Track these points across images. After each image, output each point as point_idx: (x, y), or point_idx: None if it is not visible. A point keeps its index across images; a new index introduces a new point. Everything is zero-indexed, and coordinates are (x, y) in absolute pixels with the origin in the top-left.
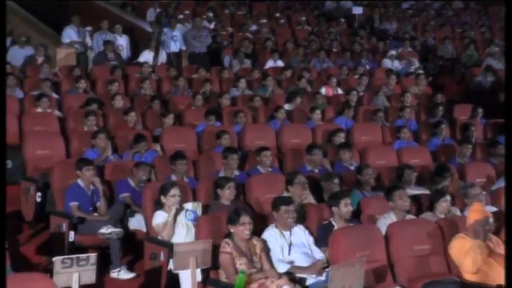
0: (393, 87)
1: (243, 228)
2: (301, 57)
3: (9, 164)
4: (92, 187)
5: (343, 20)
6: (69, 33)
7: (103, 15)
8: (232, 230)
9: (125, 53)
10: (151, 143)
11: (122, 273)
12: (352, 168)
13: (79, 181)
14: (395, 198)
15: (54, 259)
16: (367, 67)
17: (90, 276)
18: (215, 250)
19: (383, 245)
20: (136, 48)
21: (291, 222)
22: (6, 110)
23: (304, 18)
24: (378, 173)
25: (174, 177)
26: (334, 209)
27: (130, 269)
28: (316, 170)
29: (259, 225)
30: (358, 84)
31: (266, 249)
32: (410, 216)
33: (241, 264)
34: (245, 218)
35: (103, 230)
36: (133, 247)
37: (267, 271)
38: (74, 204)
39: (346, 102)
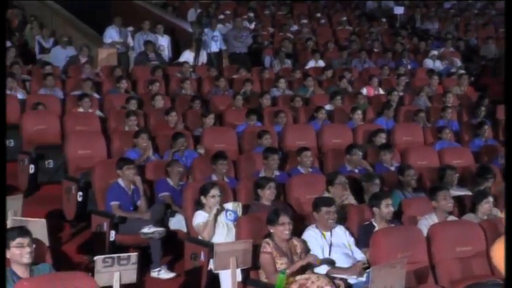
0: (435, 87)
1: (282, 229)
2: (342, 58)
3: (50, 163)
4: (132, 186)
5: (384, 20)
6: (111, 34)
7: (144, 15)
8: (272, 231)
9: (165, 53)
10: (192, 143)
11: (162, 273)
12: (393, 168)
13: (119, 181)
14: (439, 198)
15: (95, 258)
16: (409, 67)
17: (131, 276)
18: (255, 250)
19: (424, 246)
20: (177, 49)
21: (332, 223)
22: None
23: (345, 18)
24: (419, 173)
25: (214, 177)
26: (375, 209)
27: (170, 268)
28: (357, 170)
29: (300, 225)
30: (399, 85)
31: (306, 249)
32: (452, 218)
33: (281, 264)
34: (284, 218)
35: (145, 230)
36: (173, 247)
37: (309, 255)
38: (114, 203)
39: (387, 102)
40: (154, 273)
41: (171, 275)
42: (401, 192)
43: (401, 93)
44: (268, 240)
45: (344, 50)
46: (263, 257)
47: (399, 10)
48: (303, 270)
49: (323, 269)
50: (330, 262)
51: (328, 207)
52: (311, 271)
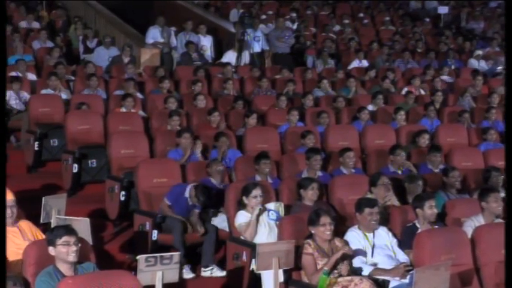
0: (480, 88)
1: (323, 229)
2: (385, 58)
3: (94, 163)
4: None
5: (428, 19)
6: (154, 34)
7: (187, 15)
8: (312, 231)
9: (208, 53)
10: (235, 142)
11: (215, 271)
12: (437, 170)
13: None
14: (490, 200)
15: (138, 257)
16: (453, 67)
17: (174, 275)
18: (298, 251)
19: (469, 249)
20: (219, 49)
21: (374, 224)
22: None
23: (388, 18)
24: (464, 175)
25: (258, 178)
26: (418, 211)
27: None
28: (400, 172)
29: (342, 226)
30: (443, 85)
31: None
32: (498, 221)
33: (323, 265)
34: (325, 219)
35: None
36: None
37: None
38: (166, 202)
39: (431, 103)
40: (206, 273)
41: (223, 273)
42: (445, 193)
43: (446, 94)
44: (310, 241)
45: (384, 47)
46: (304, 258)
47: (443, 10)
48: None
49: (366, 271)
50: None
51: (371, 208)
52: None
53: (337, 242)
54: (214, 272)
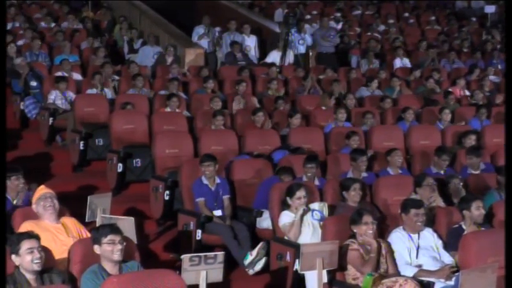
0: None
1: (365, 228)
2: (430, 58)
3: (138, 162)
4: (217, 181)
5: (474, 19)
6: (199, 33)
7: (231, 16)
8: (355, 230)
9: (252, 53)
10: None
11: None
12: (477, 172)
13: (202, 177)
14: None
15: (182, 257)
16: (499, 67)
17: (218, 275)
18: (341, 251)
19: None
20: (263, 49)
21: (420, 225)
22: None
23: (434, 18)
24: None
25: (305, 178)
26: (465, 212)
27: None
28: (442, 172)
29: (387, 227)
30: (488, 85)
31: (391, 250)
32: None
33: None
34: (367, 218)
35: (249, 259)
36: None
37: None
38: (200, 200)
39: (477, 103)
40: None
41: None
42: (499, 193)
43: (490, 94)
44: (353, 240)
45: (430, 47)
46: (351, 254)
47: (490, 9)
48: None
49: (410, 272)
50: None
51: (418, 209)
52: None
53: (380, 242)
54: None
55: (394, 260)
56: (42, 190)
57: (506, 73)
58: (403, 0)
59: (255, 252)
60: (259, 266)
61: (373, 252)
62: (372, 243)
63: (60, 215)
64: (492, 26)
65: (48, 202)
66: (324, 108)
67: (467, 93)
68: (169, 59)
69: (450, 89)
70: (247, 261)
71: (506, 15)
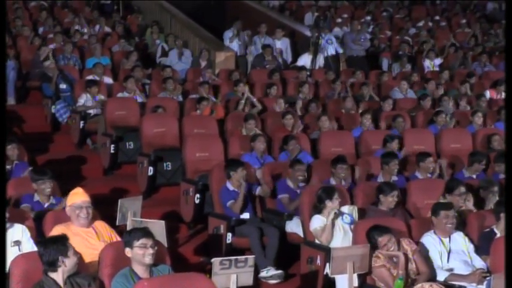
0: None
1: (385, 247)
2: (461, 60)
3: (169, 165)
4: (243, 185)
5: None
6: (230, 37)
7: (261, 19)
8: (378, 239)
9: (283, 56)
10: (309, 146)
11: (271, 271)
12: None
13: (228, 184)
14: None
15: (213, 260)
16: None
17: (248, 278)
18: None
19: None
20: (294, 52)
21: (451, 227)
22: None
23: (464, 21)
24: None
25: (332, 181)
26: (502, 215)
27: (285, 272)
28: (474, 176)
29: (419, 230)
30: None
31: (421, 251)
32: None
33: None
34: (385, 239)
35: (263, 274)
36: (289, 250)
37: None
38: (231, 202)
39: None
40: (262, 273)
41: (279, 271)
42: None
43: None
44: (378, 254)
45: (461, 50)
46: (378, 271)
47: None
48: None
49: (442, 276)
50: None
51: (447, 211)
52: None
53: (405, 245)
54: (269, 271)
55: (426, 260)
56: (78, 196)
57: (506, 73)
58: (433, 3)
59: (270, 272)
60: (273, 281)
61: (402, 268)
62: (398, 255)
63: (91, 218)
64: None
65: (83, 213)
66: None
67: (503, 96)
68: (203, 63)
69: (487, 91)
70: (261, 275)
71: (506, 15)
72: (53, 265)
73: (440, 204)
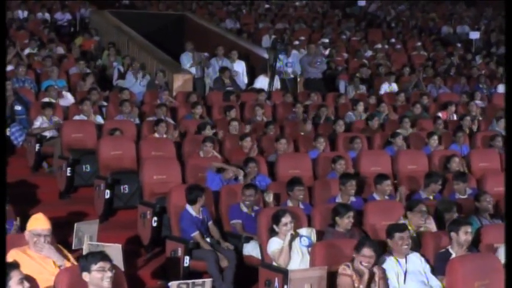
0: None
1: (362, 259)
2: (413, 82)
3: (126, 188)
4: (201, 209)
5: (459, 45)
6: (188, 59)
7: (219, 41)
8: (354, 256)
9: (240, 78)
10: (266, 168)
11: None
12: (465, 196)
13: (188, 208)
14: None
15: (169, 284)
16: (485, 92)
17: None
18: (330, 277)
19: (503, 276)
20: (252, 74)
21: (406, 248)
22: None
23: (420, 44)
24: (496, 200)
25: (289, 203)
26: (452, 234)
27: None
28: (431, 197)
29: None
30: (475, 110)
31: (385, 278)
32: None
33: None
34: (368, 251)
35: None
36: (246, 273)
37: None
38: (196, 234)
39: (459, 127)
40: None
41: None
42: (478, 218)
43: (478, 119)
44: (349, 264)
45: (414, 75)
46: (343, 279)
47: (475, 35)
48: None
49: None
50: None
51: (401, 233)
52: None
53: (375, 269)
54: None
55: (387, 286)
56: (39, 222)
57: (506, 73)
58: (389, 26)
59: None
60: None
61: (363, 284)
62: (364, 273)
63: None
64: (477, 51)
65: (40, 242)
66: (302, 133)
67: (455, 117)
68: (159, 85)
69: (440, 113)
70: None
71: (506, 15)
72: None
73: (395, 226)
